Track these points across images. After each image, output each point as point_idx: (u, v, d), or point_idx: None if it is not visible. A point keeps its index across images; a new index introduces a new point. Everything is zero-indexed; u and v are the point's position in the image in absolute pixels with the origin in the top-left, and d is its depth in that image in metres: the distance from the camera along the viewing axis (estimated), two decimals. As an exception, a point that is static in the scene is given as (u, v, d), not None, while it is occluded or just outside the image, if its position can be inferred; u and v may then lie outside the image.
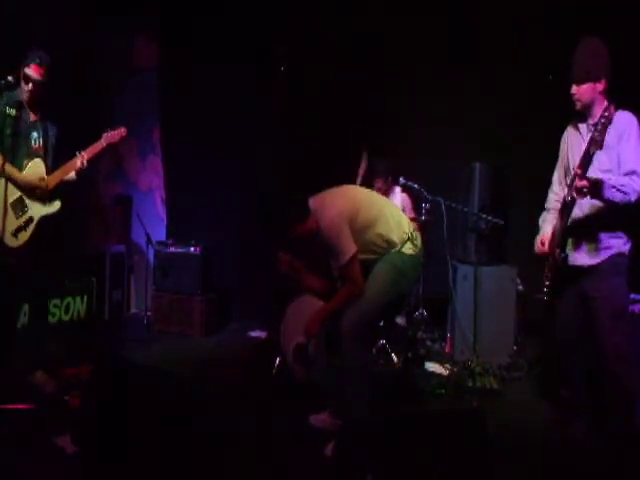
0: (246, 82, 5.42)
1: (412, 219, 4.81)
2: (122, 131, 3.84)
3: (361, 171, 4.69)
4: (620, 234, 2.90)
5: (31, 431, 2.98)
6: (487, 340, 4.34)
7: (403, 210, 4.91)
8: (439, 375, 4.17)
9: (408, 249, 3.09)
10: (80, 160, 3.64)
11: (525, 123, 4.95)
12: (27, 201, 3.57)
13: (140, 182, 6.13)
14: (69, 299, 4.99)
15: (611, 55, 2.90)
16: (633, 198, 2.74)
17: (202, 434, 2.66)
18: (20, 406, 3.22)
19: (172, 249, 5.36)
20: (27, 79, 3.44)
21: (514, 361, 4.37)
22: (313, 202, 3.05)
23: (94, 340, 4.87)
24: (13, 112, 3.45)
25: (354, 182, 4.51)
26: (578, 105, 2.95)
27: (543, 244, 3.13)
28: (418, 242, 3.15)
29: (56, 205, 3.64)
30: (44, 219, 3.59)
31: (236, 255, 5.69)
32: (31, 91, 3.48)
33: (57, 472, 2.66)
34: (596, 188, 2.72)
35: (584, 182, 2.72)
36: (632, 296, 3.24)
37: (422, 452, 2.22)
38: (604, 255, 2.89)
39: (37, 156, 3.59)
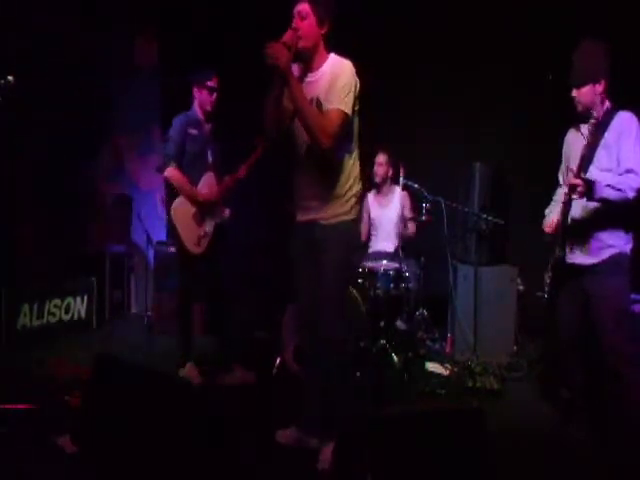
0: (246, 82, 5.41)
1: (412, 219, 4.83)
2: None
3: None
4: (621, 233, 2.90)
5: (31, 431, 2.99)
6: (487, 340, 4.34)
7: (403, 209, 4.93)
8: (439, 375, 4.16)
9: (354, 213, 2.86)
10: (240, 172, 3.85)
11: (525, 123, 4.95)
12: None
13: (140, 182, 6.13)
14: (69, 299, 4.99)
15: (611, 55, 2.91)
16: (630, 195, 2.74)
17: (202, 434, 2.66)
18: (20, 406, 3.22)
19: (172, 249, 5.35)
20: (212, 90, 3.83)
21: (514, 361, 4.37)
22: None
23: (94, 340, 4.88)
24: (195, 132, 3.79)
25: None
26: (579, 107, 2.96)
27: (551, 225, 3.09)
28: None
29: (227, 212, 3.98)
30: (218, 225, 3.92)
31: (236, 255, 5.69)
32: (215, 100, 3.86)
33: (57, 472, 2.66)
34: (589, 188, 2.73)
35: (577, 180, 2.75)
36: (633, 296, 3.23)
37: (422, 452, 2.22)
38: (605, 254, 2.89)
39: (210, 170, 3.89)
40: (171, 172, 3.74)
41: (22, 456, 2.77)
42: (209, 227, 3.86)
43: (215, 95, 3.85)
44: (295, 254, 3.00)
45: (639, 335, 3.11)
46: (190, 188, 3.77)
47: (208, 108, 3.86)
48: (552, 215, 3.17)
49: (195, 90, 3.84)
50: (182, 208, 3.78)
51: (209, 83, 3.81)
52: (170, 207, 3.80)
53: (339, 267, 2.82)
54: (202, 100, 3.84)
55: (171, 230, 3.82)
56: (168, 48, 5.95)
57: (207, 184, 3.86)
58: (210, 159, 3.88)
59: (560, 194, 3.20)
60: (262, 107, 2.81)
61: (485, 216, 4.41)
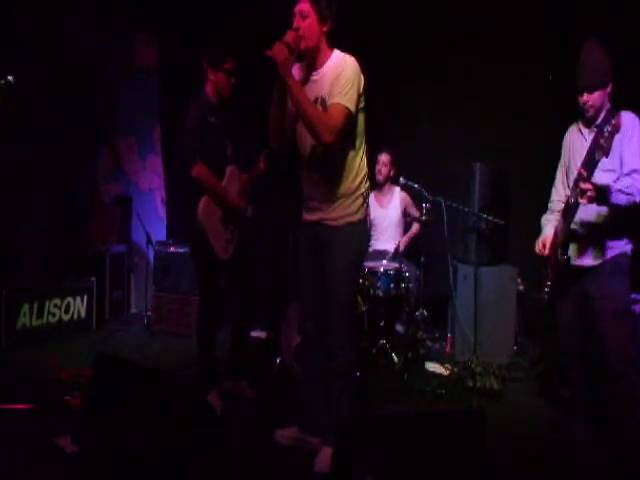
0: (246, 82, 5.41)
1: (416, 219, 4.82)
2: None
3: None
4: (622, 235, 2.89)
5: (31, 431, 2.99)
6: (487, 340, 4.34)
7: (404, 209, 4.93)
8: (439, 375, 4.17)
9: (362, 212, 2.83)
10: (262, 164, 3.56)
11: (525, 123, 4.95)
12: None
13: (140, 182, 6.13)
14: (69, 299, 4.99)
15: (612, 55, 2.90)
16: (638, 198, 2.73)
17: (202, 434, 2.66)
18: (20, 406, 3.22)
19: (172, 249, 5.36)
20: (229, 73, 3.40)
21: (514, 361, 4.38)
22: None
23: (94, 340, 4.87)
24: (213, 120, 3.36)
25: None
26: (591, 112, 2.91)
27: (544, 246, 3.12)
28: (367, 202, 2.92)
29: (249, 210, 3.59)
30: (243, 227, 3.57)
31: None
32: (233, 85, 3.44)
33: (57, 472, 2.66)
34: (602, 194, 2.71)
35: (588, 185, 2.70)
36: (633, 296, 3.23)
37: (422, 452, 2.22)
38: (606, 255, 2.88)
39: (231, 164, 3.49)
40: (200, 170, 3.23)
41: (22, 456, 2.76)
42: (234, 230, 3.49)
43: (233, 79, 3.42)
44: (300, 254, 2.99)
45: (639, 335, 3.12)
46: (221, 188, 3.36)
47: (226, 93, 3.41)
48: (547, 229, 3.16)
49: (210, 72, 3.38)
50: (208, 210, 3.33)
51: (226, 65, 3.38)
52: (197, 209, 3.30)
53: (345, 270, 2.81)
54: (219, 84, 3.38)
55: (197, 235, 3.33)
56: (168, 48, 5.95)
57: (232, 180, 3.45)
58: (229, 150, 3.49)
59: (555, 202, 3.19)
60: (267, 111, 2.81)
61: (485, 216, 4.41)
